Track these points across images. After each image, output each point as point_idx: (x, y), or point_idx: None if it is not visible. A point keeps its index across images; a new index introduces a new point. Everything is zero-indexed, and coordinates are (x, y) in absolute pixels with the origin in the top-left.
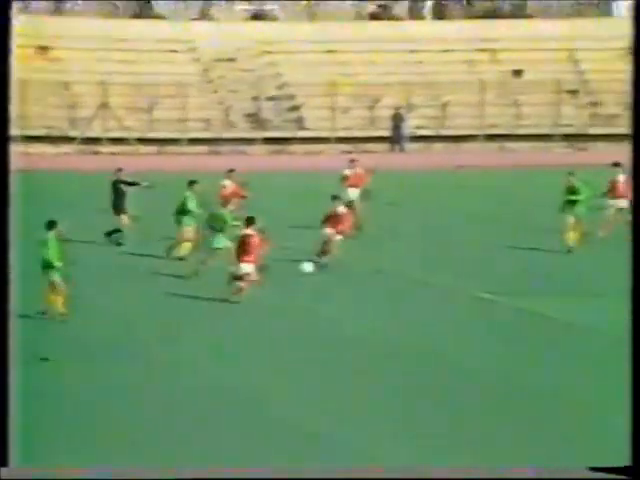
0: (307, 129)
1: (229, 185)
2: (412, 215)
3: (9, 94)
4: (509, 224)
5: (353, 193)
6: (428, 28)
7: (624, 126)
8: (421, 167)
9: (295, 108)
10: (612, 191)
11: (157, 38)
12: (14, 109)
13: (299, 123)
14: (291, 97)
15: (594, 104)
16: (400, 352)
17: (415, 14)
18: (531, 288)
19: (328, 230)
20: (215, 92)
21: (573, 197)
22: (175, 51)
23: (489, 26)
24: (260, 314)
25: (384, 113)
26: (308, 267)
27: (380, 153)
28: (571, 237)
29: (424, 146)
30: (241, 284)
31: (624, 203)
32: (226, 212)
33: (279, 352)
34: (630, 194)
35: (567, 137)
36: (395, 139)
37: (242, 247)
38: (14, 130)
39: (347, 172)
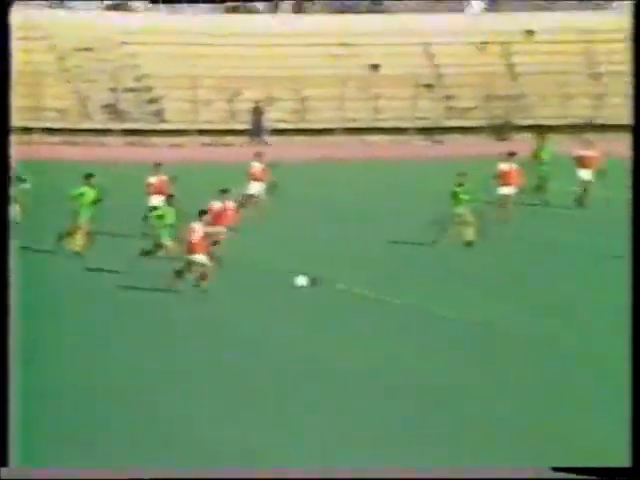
0: (167, 121)
1: (155, 181)
2: (280, 209)
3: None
4: (381, 217)
5: (256, 187)
6: (288, 22)
7: (478, 118)
8: (282, 159)
9: (154, 100)
10: (502, 179)
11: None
12: None
13: (159, 115)
14: (150, 89)
15: (449, 97)
16: (281, 354)
17: (273, 8)
18: (415, 284)
19: (217, 227)
20: (70, 82)
21: (461, 196)
22: (29, 38)
23: (348, 21)
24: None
25: (245, 106)
26: (301, 281)
27: (240, 146)
28: (458, 233)
29: (284, 139)
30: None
31: (512, 190)
32: (167, 209)
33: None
34: (520, 182)
35: (424, 130)
36: (255, 132)
37: (193, 239)
38: None
39: (253, 165)
